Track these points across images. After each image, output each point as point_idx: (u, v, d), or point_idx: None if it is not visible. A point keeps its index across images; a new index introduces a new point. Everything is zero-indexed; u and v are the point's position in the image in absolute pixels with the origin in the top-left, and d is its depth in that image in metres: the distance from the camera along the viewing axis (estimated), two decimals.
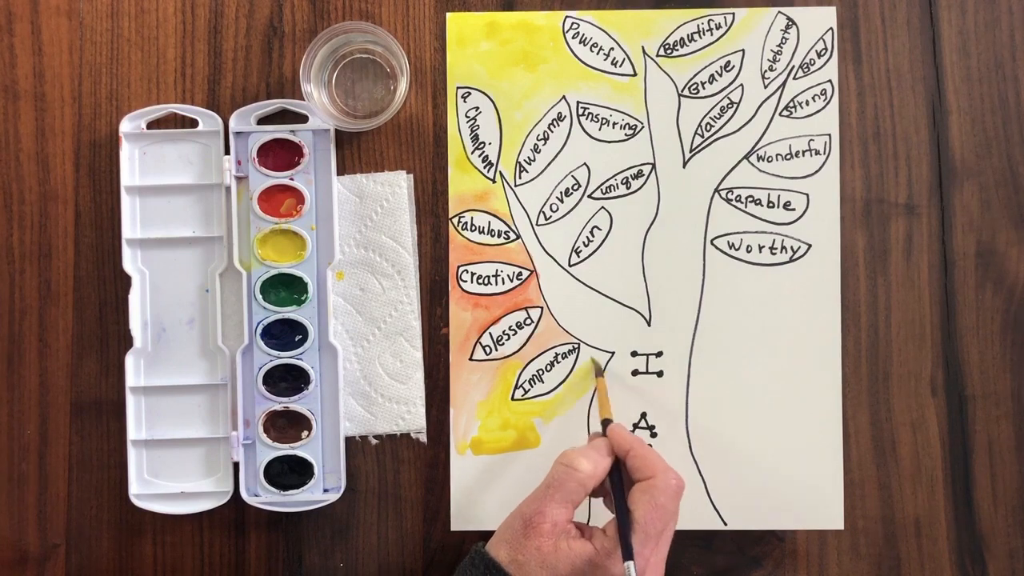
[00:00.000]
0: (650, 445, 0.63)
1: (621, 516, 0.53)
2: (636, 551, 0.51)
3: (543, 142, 0.65)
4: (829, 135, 0.65)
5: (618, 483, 0.55)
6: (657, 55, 0.65)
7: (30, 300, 0.65)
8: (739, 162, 0.65)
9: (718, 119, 0.65)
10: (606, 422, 0.58)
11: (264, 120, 0.64)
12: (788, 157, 0.65)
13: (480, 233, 0.65)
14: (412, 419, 0.64)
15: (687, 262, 0.65)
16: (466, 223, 0.65)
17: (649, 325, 0.65)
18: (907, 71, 0.65)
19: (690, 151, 0.65)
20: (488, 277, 0.65)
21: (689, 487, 0.63)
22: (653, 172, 0.65)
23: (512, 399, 0.65)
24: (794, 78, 0.65)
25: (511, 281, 0.65)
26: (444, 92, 0.65)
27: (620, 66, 0.65)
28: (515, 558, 0.53)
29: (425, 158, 0.65)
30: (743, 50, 0.65)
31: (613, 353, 0.65)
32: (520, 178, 0.65)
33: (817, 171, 0.65)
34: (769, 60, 0.65)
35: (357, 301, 0.65)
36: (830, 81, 0.65)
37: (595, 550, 0.52)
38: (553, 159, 0.65)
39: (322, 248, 0.64)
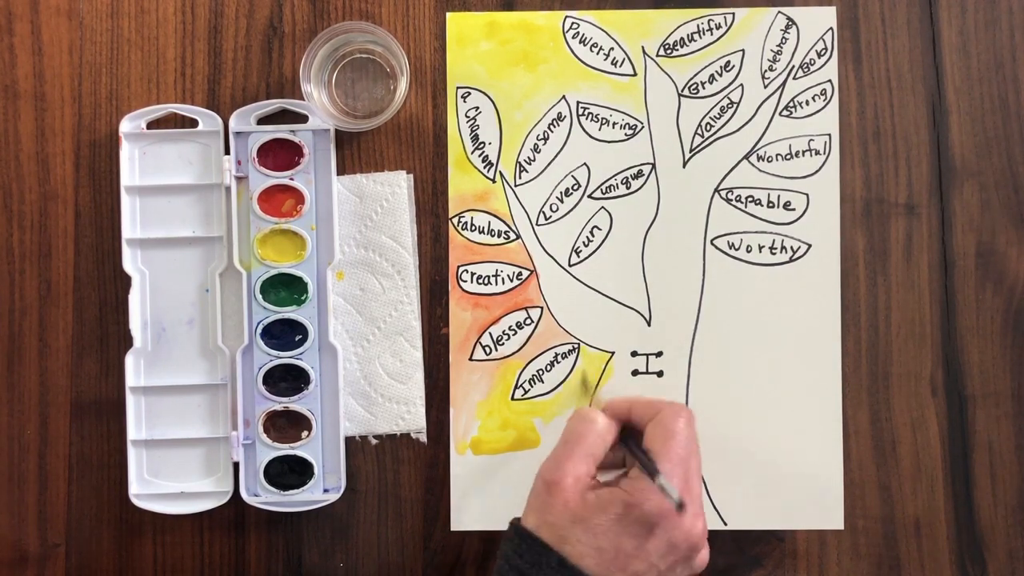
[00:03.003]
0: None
1: (641, 456, 0.52)
2: (666, 476, 0.50)
3: (543, 142, 0.65)
4: (829, 135, 0.65)
5: (632, 437, 0.54)
6: (657, 55, 0.65)
7: (30, 300, 0.65)
8: (739, 162, 0.65)
9: (718, 119, 0.65)
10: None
11: (264, 120, 0.64)
12: (788, 157, 0.65)
13: (480, 233, 0.65)
14: (412, 419, 0.64)
15: (687, 262, 0.65)
16: (466, 223, 0.65)
17: (649, 325, 0.65)
18: (907, 71, 0.65)
19: (690, 151, 0.65)
20: (488, 277, 0.65)
21: None
22: (653, 172, 0.65)
23: (512, 399, 0.65)
24: (794, 78, 0.65)
25: (511, 281, 0.65)
26: (444, 92, 0.65)
27: (620, 66, 0.65)
28: (545, 520, 0.51)
29: (425, 158, 0.65)
30: (743, 50, 0.65)
31: (613, 353, 0.65)
32: (520, 178, 0.65)
33: (817, 171, 0.65)
34: (769, 60, 0.65)
35: (357, 301, 0.65)
36: (830, 81, 0.65)
37: (625, 492, 0.51)
38: (553, 159, 0.65)
39: (322, 248, 0.64)
